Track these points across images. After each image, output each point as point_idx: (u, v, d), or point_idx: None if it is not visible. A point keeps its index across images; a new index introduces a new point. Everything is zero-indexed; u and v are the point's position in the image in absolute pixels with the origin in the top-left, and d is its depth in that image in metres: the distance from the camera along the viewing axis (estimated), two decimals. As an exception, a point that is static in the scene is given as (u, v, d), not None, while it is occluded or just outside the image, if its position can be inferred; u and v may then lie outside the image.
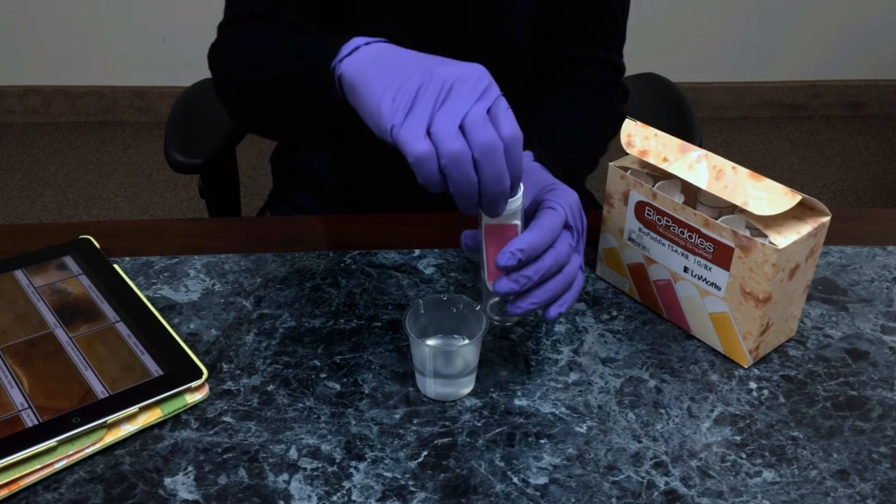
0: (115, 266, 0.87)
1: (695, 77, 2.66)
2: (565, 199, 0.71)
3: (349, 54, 0.68)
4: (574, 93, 1.02)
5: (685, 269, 0.79)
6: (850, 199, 2.40)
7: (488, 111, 0.61)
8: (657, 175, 0.81)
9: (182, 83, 1.28)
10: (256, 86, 0.81)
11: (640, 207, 0.81)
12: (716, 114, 2.73)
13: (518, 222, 0.68)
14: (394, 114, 0.61)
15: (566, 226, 0.70)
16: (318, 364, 0.78)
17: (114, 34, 2.53)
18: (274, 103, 0.80)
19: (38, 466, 0.66)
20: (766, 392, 0.76)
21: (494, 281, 0.68)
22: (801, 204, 0.73)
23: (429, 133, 0.60)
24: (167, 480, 0.67)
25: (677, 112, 1.26)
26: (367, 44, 0.68)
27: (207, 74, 1.29)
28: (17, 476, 0.65)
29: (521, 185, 0.67)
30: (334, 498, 0.66)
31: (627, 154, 0.82)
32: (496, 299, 0.74)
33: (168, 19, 2.50)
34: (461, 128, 0.60)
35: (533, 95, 1.06)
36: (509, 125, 0.61)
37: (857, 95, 2.74)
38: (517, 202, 0.66)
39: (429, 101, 0.60)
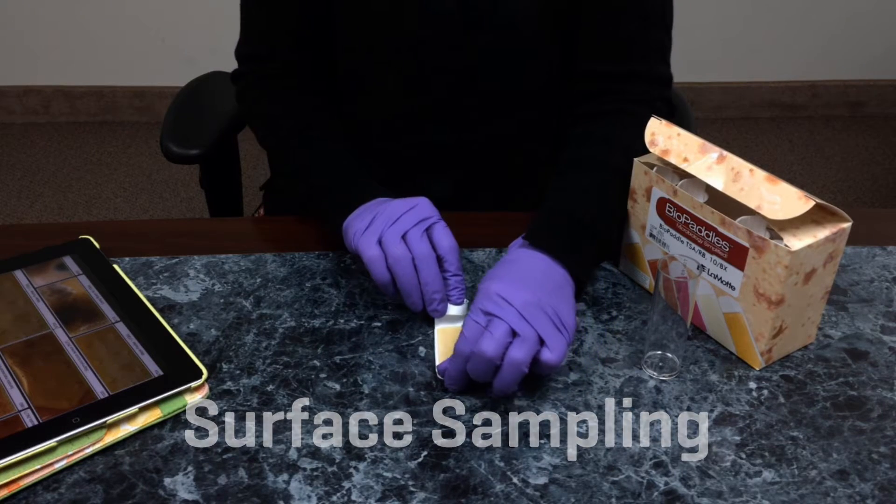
0: (115, 266, 0.87)
1: (695, 77, 2.65)
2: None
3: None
4: (608, 144, 0.91)
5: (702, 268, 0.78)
6: (850, 199, 2.39)
7: (428, 231, 0.78)
8: (682, 172, 0.80)
9: (182, 83, 1.28)
10: (282, 171, 1.03)
11: (662, 204, 0.80)
12: (716, 114, 2.73)
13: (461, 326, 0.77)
14: (356, 231, 0.80)
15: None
16: (318, 364, 0.78)
17: (114, 34, 2.52)
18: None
19: (38, 466, 0.66)
20: (765, 392, 0.76)
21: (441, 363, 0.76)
22: (822, 209, 0.73)
23: (380, 244, 0.77)
24: (167, 480, 0.67)
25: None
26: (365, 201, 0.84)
27: (206, 73, 1.30)
28: (17, 476, 0.65)
29: (465, 299, 0.80)
30: (334, 498, 0.66)
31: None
32: None
33: (167, 19, 2.50)
34: (404, 239, 0.77)
35: (563, 118, 0.99)
36: (446, 240, 0.79)
37: (857, 95, 2.74)
38: (461, 311, 0.80)
39: (381, 223, 0.78)
